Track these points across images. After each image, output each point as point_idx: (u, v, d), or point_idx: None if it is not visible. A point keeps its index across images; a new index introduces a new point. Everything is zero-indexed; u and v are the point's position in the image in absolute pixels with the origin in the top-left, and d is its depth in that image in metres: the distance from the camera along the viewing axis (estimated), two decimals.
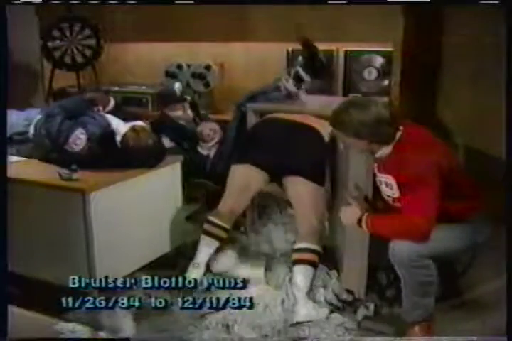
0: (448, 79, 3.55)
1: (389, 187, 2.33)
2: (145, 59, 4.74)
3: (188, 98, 3.72)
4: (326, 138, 2.83)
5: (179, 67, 4.42)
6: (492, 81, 3.14)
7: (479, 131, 3.29)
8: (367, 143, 2.28)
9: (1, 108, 2.04)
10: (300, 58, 3.35)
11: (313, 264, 2.68)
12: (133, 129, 2.78)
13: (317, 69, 3.28)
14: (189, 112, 3.67)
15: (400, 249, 2.24)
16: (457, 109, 3.47)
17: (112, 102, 3.15)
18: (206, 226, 2.85)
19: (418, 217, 2.18)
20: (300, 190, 2.78)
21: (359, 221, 2.34)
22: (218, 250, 2.87)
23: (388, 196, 2.38)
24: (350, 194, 2.47)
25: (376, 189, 2.45)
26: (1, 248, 1.80)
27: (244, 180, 2.85)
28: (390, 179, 2.30)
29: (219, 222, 2.84)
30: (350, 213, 2.40)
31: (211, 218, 2.86)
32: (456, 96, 3.51)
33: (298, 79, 3.29)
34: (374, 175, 2.45)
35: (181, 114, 3.64)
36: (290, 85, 3.27)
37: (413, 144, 2.26)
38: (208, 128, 3.53)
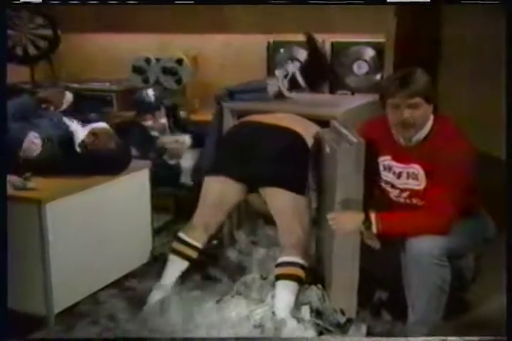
0: (447, 78, 3.53)
1: (412, 178, 2.37)
2: (109, 52, 4.55)
3: (164, 104, 3.60)
4: (309, 142, 2.67)
5: (147, 61, 4.21)
6: (492, 80, 3.19)
7: (479, 131, 3.22)
8: (430, 107, 2.29)
9: None
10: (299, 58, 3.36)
11: (298, 280, 2.57)
12: (92, 133, 2.70)
13: (317, 75, 3.27)
14: (163, 121, 3.56)
15: (421, 244, 2.25)
16: (456, 109, 3.32)
17: (69, 100, 2.98)
18: (175, 244, 2.74)
19: (446, 208, 2.23)
20: (280, 201, 2.65)
21: (366, 222, 2.29)
22: None
23: (403, 190, 2.40)
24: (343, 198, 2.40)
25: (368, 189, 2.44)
26: None
27: (219, 193, 2.70)
28: (416, 168, 2.35)
29: (189, 240, 2.71)
30: (347, 218, 2.35)
31: (181, 235, 2.74)
32: (455, 96, 3.48)
33: (293, 84, 3.22)
34: (383, 169, 2.46)
35: (151, 123, 3.54)
36: (284, 87, 3.18)
37: (446, 133, 2.31)
38: (173, 142, 3.46)
